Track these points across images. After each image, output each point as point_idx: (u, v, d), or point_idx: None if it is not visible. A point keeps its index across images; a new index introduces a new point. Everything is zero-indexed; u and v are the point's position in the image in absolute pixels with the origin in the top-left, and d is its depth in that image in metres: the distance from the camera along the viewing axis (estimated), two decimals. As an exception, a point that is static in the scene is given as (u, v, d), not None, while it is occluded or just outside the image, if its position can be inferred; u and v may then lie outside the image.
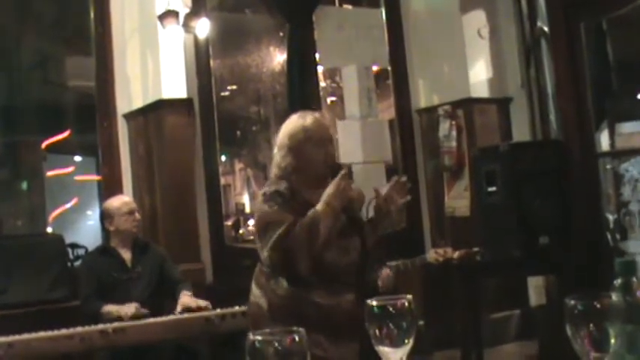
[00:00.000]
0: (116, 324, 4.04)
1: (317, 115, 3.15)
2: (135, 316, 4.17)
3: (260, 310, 3.08)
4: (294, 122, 3.10)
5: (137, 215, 4.62)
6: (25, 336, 3.85)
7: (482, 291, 5.29)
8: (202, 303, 4.32)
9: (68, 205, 9.21)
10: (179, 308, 4.31)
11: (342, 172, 2.93)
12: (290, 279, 2.98)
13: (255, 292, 3.11)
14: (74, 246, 5.57)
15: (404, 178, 3.10)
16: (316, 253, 2.89)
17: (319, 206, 2.88)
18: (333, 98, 7.07)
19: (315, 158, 3.02)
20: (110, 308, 4.22)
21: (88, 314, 4.24)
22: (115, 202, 4.67)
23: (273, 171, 3.11)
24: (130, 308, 4.19)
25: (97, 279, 4.43)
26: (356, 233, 3.10)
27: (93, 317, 4.17)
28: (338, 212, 2.91)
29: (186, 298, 4.37)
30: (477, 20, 6.22)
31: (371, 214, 3.17)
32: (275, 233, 2.89)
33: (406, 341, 1.33)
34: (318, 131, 3.04)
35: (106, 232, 4.74)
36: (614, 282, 1.32)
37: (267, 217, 2.95)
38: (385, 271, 4.40)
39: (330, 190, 2.89)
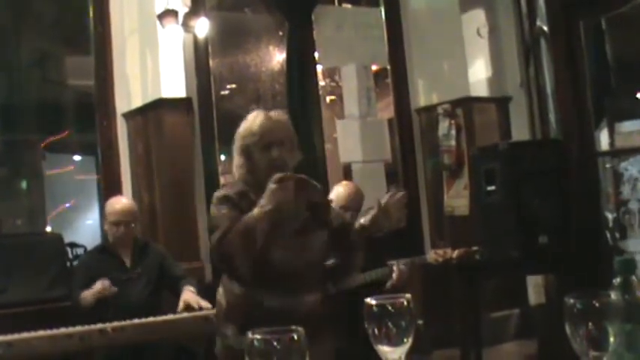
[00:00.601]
0: (115, 323, 4.04)
1: (272, 114, 3.04)
2: (103, 293, 4.19)
3: (220, 309, 3.06)
4: (246, 123, 3.03)
5: (122, 228, 4.51)
6: (25, 335, 3.84)
7: (481, 290, 5.29)
8: (204, 304, 4.30)
9: (67, 205, 9.22)
10: (181, 304, 4.30)
11: (277, 175, 2.85)
12: (239, 280, 2.97)
13: (220, 290, 3.09)
14: (73, 245, 5.57)
15: (401, 193, 3.05)
16: (255, 256, 2.83)
17: (255, 210, 2.82)
18: (333, 97, 7.08)
19: (260, 162, 2.95)
20: (83, 294, 4.25)
21: (80, 312, 4.24)
22: (110, 206, 4.64)
23: (234, 171, 3.08)
24: (97, 285, 4.22)
25: (90, 278, 4.41)
26: (319, 231, 3.03)
27: (86, 314, 4.17)
28: (272, 216, 2.81)
29: (188, 294, 4.35)
30: (476, 19, 6.23)
31: (365, 219, 3.08)
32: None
33: (405, 340, 1.33)
34: (266, 135, 2.95)
35: (104, 231, 4.75)
36: (614, 281, 1.32)
37: (214, 221, 2.93)
38: (400, 268, 4.39)
39: (265, 193, 2.83)
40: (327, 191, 4.61)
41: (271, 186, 2.83)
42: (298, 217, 2.97)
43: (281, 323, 2.96)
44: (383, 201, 2.98)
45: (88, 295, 4.24)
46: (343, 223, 3.17)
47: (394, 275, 4.34)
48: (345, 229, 3.11)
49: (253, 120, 3.02)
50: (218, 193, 3.00)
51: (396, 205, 2.99)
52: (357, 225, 3.07)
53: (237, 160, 3.03)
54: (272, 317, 2.84)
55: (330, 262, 4.21)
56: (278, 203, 2.81)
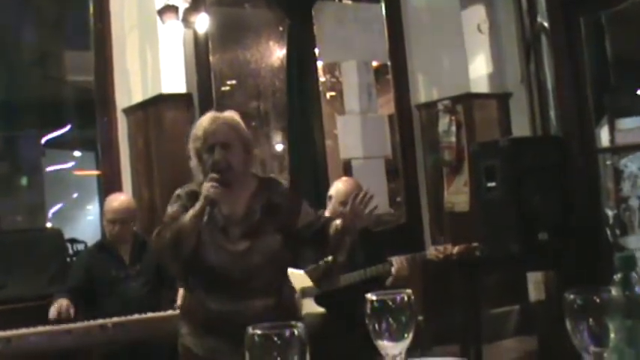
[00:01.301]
0: (115, 319, 4.04)
1: (220, 116, 3.04)
2: (60, 317, 4.11)
3: (180, 309, 3.12)
4: (197, 125, 3.03)
5: (117, 227, 4.48)
6: (24, 331, 3.84)
7: (481, 286, 5.29)
8: None
9: (67, 201, 9.21)
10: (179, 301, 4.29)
11: (210, 175, 2.86)
12: (177, 277, 2.99)
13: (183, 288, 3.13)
14: (73, 241, 5.57)
15: (362, 194, 2.95)
16: (186, 256, 2.84)
17: (190, 211, 2.84)
18: (333, 93, 7.06)
19: (207, 164, 2.94)
20: (50, 310, 4.20)
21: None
22: (108, 204, 4.61)
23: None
24: (53, 310, 4.15)
25: (89, 276, 4.41)
26: (271, 235, 2.98)
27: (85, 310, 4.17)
28: (202, 212, 2.80)
29: None
30: (476, 15, 6.22)
31: (338, 224, 3.00)
32: None
33: (405, 335, 1.33)
34: (209, 137, 2.94)
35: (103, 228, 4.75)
36: (614, 277, 1.31)
37: (164, 218, 2.97)
38: (399, 260, 4.39)
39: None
40: (326, 187, 4.60)
41: (205, 185, 2.85)
42: (249, 218, 2.95)
43: (228, 328, 2.91)
44: (348, 208, 2.94)
45: (51, 311, 4.19)
46: (313, 222, 3.07)
47: (393, 269, 4.34)
48: (318, 227, 3.04)
49: (200, 123, 3.03)
50: (175, 192, 3.04)
51: (361, 205, 2.92)
52: (332, 227, 3.00)
53: (192, 162, 3.04)
54: (219, 321, 2.87)
55: (311, 267, 4.24)
56: (207, 200, 2.80)
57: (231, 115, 3.08)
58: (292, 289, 3.24)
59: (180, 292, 4.34)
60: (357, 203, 2.91)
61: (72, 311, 4.18)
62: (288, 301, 3.14)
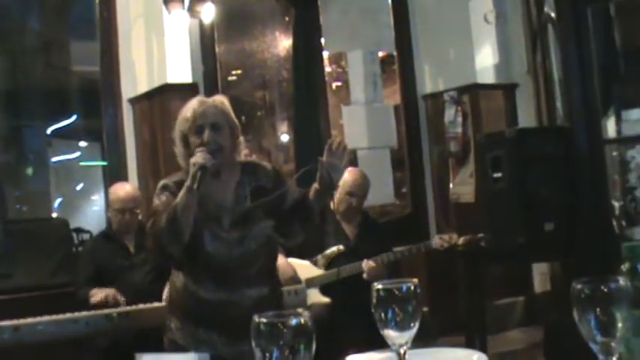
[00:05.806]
0: (120, 308, 4.05)
1: (207, 99, 2.99)
2: (104, 303, 4.15)
3: (167, 303, 3.08)
4: (185, 108, 2.97)
5: (127, 216, 4.50)
6: (31, 320, 3.85)
7: (486, 277, 5.28)
8: None
9: (72, 194, 9.23)
10: None
11: (199, 148, 2.81)
12: (176, 265, 2.92)
13: (169, 282, 3.08)
14: (79, 231, 5.58)
15: (336, 143, 2.87)
16: (185, 239, 2.75)
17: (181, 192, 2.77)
18: (339, 83, 7.05)
19: (194, 146, 2.87)
20: (92, 292, 4.23)
21: (80, 301, 4.24)
22: (113, 193, 4.62)
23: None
24: (96, 296, 4.18)
25: (95, 266, 4.43)
26: (262, 222, 2.95)
27: (86, 304, 4.18)
28: (193, 186, 2.71)
29: None
30: (483, 5, 6.20)
31: (315, 183, 2.92)
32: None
33: (412, 325, 1.33)
34: (198, 118, 2.88)
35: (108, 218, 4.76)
36: (622, 266, 1.31)
37: (152, 209, 2.91)
38: (368, 263, 4.36)
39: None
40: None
41: (191, 160, 2.79)
42: (239, 205, 2.92)
43: (222, 319, 2.81)
44: (324, 157, 2.85)
45: (96, 297, 4.23)
46: (297, 198, 3.01)
47: (364, 272, 4.35)
48: (301, 202, 2.99)
49: (188, 105, 2.97)
50: (160, 183, 2.98)
51: (337, 154, 2.86)
52: (311, 191, 2.93)
53: (177, 149, 2.98)
54: (212, 312, 2.83)
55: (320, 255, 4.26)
56: (197, 166, 2.72)
57: (220, 98, 3.04)
58: (280, 280, 3.23)
59: None
60: (333, 154, 2.85)
61: (121, 300, 4.21)
62: (279, 292, 3.15)
